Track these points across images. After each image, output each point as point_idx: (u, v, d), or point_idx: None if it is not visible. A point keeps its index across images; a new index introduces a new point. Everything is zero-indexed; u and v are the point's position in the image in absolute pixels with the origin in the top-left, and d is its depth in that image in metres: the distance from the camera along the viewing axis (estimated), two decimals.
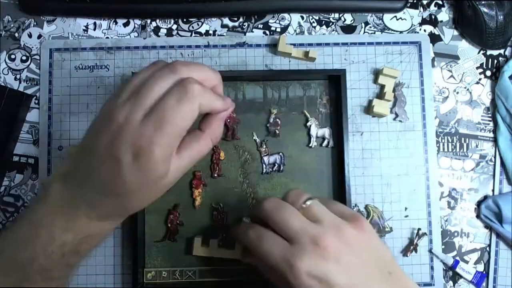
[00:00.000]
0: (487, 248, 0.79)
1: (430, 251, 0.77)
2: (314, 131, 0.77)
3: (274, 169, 0.78)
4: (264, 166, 0.77)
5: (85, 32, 0.82)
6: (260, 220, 0.62)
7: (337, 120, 0.78)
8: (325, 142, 0.78)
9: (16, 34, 0.82)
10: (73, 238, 0.55)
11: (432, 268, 0.77)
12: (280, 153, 0.78)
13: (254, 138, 0.78)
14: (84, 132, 0.57)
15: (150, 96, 0.50)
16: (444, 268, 0.78)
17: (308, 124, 0.78)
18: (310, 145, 0.77)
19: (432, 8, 0.84)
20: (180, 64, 0.53)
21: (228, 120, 0.77)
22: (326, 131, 0.78)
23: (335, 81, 0.78)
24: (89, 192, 0.54)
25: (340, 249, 0.54)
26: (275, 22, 0.83)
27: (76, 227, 0.55)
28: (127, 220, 0.75)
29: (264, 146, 0.78)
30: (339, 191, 0.76)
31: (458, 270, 0.76)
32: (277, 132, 0.78)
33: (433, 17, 0.83)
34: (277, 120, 0.78)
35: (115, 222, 0.59)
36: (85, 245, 0.57)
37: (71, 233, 0.55)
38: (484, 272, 0.78)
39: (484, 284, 0.78)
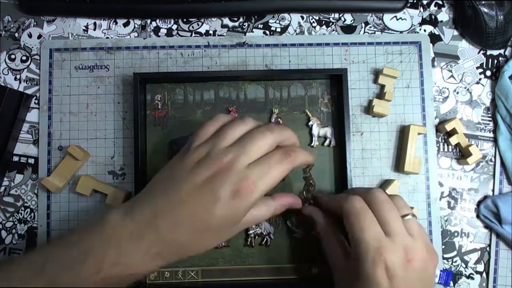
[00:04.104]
0: (487, 248, 0.79)
1: None
2: (315, 130, 0.77)
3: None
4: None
5: (85, 32, 0.82)
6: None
7: (338, 120, 0.78)
8: (327, 142, 0.78)
9: (16, 34, 0.82)
10: (119, 273, 0.57)
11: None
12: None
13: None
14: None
15: (254, 150, 0.59)
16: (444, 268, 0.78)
17: (310, 123, 0.78)
18: (312, 144, 0.77)
19: (432, 8, 0.84)
20: (276, 126, 0.63)
21: None
22: (327, 131, 0.77)
23: (336, 80, 0.78)
24: (164, 226, 0.57)
25: (419, 266, 0.59)
26: (275, 22, 0.83)
27: (126, 263, 0.57)
28: None
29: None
30: (342, 190, 0.76)
31: None
32: None
33: (433, 17, 0.83)
34: (279, 119, 0.78)
35: (164, 263, 0.60)
36: (129, 278, 0.59)
37: (120, 268, 0.56)
38: (449, 269, 0.78)
39: (484, 284, 0.79)
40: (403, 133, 0.79)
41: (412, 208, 0.73)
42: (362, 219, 0.61)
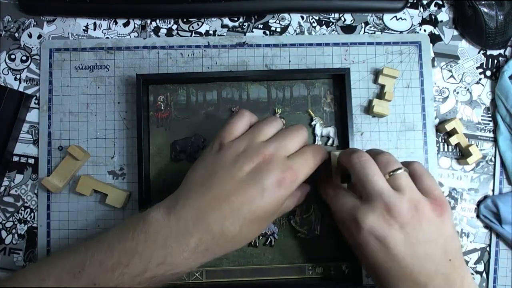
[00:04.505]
0: (487, 248, 0.79)
1: None
2: (318, 130, 0.77)
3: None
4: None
5: (85, 32, 0.82)
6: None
7: (341, 119, 0.78)
8: (330, 141, 0.78)
9: (16, 34, 0.81)
10: (165, 272, 0.57)
11: None
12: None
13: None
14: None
15: (291, 145, 0.63)
16: None
17: (313, 123, 0.78)
18: (315, 144, 0.77)
19: (432, 8, 0.84)
20: (304, 129, 0.66)
21: None
22: (330, 130, 0.78)
23: (339, 80, 0.78)
24: (213, 221, 0.58)
25: (409, 222, 0.57)
26: (275, 22, 0.83)
27: (173, 262, 0.57)
28: None
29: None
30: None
31: None
32: None
33: (433, 17, 0.83)
34: (282, 119, 0.78)
35: (209, 260, 0.61)
36: (171, 277, 0.59)
37: (165, 267, 0.57)
38: None
39: (484, 284, 0.79)
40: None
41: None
42: (335, 200, 0.65)
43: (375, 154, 0.63)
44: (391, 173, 0.59)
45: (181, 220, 0.57)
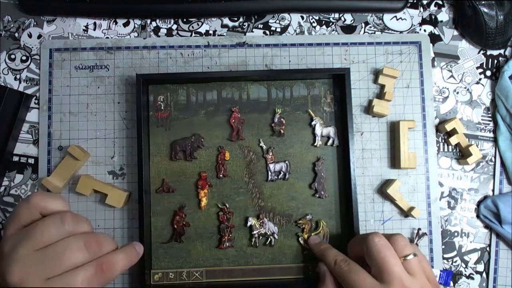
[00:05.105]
0: (487, 248, 0.79)
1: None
2: (318, 130, 0.77)
3: (279, 177, 0.78)
4: (269, 173, 0.78)
5: (85, 32, 0.82)
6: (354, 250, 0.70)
7: (341, 119, 0.78)
8: (330, 141, 0.78)
9: (16, 34, 0.81)
10: None
11: (432, 267, 0.77)
12: (286, 161, 0.78)
13: (260, 144, 0.78)
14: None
15: (52, 268, 0.52)
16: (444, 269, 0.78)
17: (313, 123, 0.78)
18: (315, 144, 0.77)
19: (432, 8, 0.84)
20: (70, 217, 0.54)
21: (233, 121, 0.77)
22: (330, 130, 0.78)
23: (339, 80, 0.78)
24: None
25: None
26: (275, 22, 0.83)
27: None
28: (132, 222, 0.75)
29: (271, 153, 0.78)
30: (345, 189, 0.77)
31: None
32: (282, 131, 0.77)
33: (433, 17, 0.83)
34: (282, 119, 0.78)
35: None
36: None
37: None
38: (449, 269, 0.79)
39: (484, 284, 0.79)
40: (393, 132, 0.80)
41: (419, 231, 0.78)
42: (350, 276, 0.65)
43: (388, 236, 0.65)
44: (405, 258, 0.62)
45: None
